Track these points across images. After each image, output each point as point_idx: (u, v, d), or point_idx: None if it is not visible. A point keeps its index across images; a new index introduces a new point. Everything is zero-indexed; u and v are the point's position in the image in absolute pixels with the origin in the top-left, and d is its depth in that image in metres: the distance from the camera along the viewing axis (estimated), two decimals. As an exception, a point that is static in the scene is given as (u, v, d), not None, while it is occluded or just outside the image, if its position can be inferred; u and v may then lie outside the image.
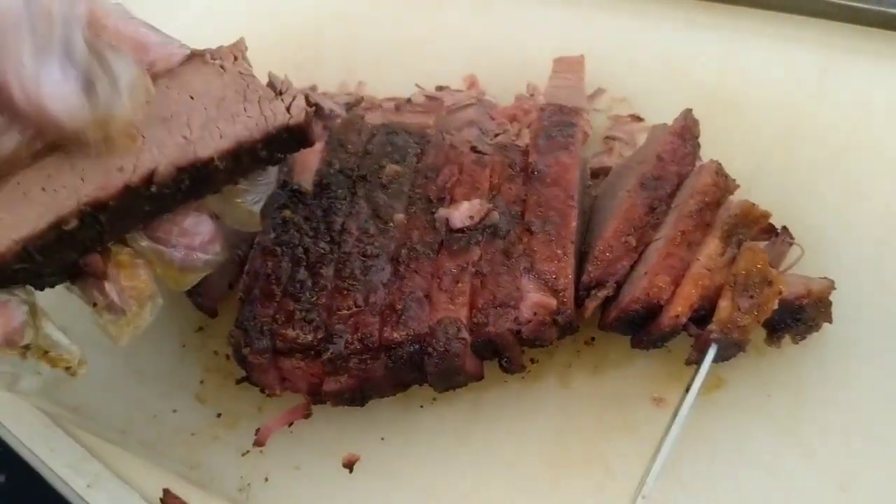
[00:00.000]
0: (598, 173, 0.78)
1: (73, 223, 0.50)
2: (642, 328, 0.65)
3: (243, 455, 0.69)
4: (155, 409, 0.72)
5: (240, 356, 0.65)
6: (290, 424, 0.69)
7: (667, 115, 0.75)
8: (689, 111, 0.72)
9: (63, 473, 0.69)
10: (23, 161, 0.50)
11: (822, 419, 0.64)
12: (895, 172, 0.76)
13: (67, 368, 0.53)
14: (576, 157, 0.70)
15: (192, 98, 0.55)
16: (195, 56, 0.57)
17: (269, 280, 0.66)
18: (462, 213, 0.67)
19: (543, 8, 0.96)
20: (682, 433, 0.62)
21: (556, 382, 0.69)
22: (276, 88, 0.57)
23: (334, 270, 0.66)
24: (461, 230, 0.67)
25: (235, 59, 0.58)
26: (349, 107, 0.79)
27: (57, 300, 0.54)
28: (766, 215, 0.66)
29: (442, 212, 0.67)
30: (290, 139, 0.57)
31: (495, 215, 0.67)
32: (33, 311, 0.51)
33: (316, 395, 0.67)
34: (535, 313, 0.63)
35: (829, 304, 0.65)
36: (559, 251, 0.65)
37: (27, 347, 0.51)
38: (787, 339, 0.65)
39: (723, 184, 0.67)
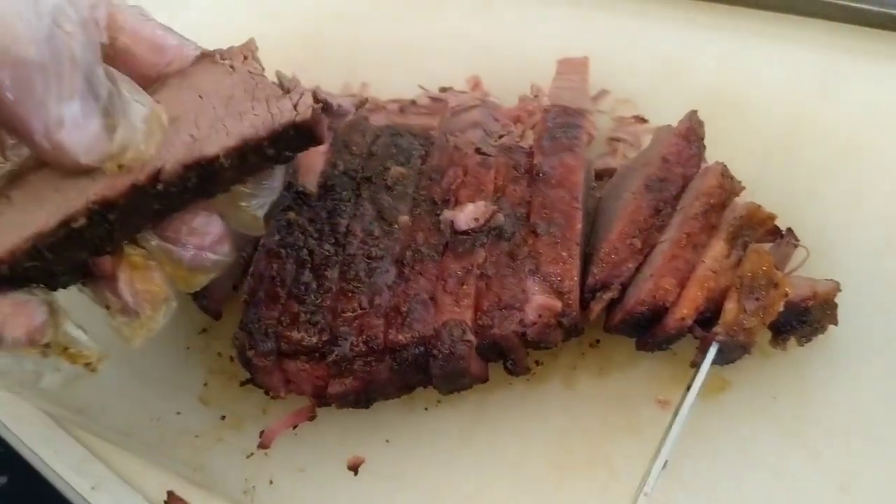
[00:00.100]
0: (603, 175, 0.77)
1: (82, 221, 0.50)
2: (647, 330, 0.65)
3: (248, 457, 0.69)
4: (158, 410, 0.72)
5: (244, 358, 0.65)
6: (295, 427, 0.69)
7: (670, 116, 0.75)
8: (693, 113, 0.72)
9: (66, 476, 0.70)
10: (36, 163, 0.50)
11: (827, 421, 0.64)
12: (899, 173, 0.76)
13: (87, 364, 0.54)
14: (581, 158, 0.70)
15: (200, 97, 0.55)
16: (205, 56, 0.57)
17: (274, 282, 0.66)
18: (467, 215, 0.67)
19: (546, 8, 0.96)
20: (686, 434, 0.62)
21: (560, 384, 0.69)
22: (283, 86, 0.57)
23: (339, 272, 0.66)
24: (466, 232, 0.66)
25: (245, 58, 0.58)
26: (355, 108, 0.79)
27: (66, 300, 0.54)
28: (771, 217, 0.66)
29: (447, 214, 0.67)
30: (297, 136, 0.56)
31: (500, 217, 0.67)
32: (53, 309, 0.51)
33: (321, 398, 0.67)
34: (540, 315, 0.63)
35: (835, 306, 0.65)
36: (564, 253, 0.65)
37: (47, 345, 0.51)
38: (792, 341, 0.65)
39: (728, 186, 0.67)
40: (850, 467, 0.62)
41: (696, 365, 0.64)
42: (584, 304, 0.66)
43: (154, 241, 0.55)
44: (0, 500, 0.77)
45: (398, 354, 0.63)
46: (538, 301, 0.63)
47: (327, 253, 0.67)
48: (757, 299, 0.62)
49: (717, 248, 0.64)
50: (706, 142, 0.72)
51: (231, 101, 0.55)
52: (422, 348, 0.63)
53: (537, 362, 0.70)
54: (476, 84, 0.89)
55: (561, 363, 0.70)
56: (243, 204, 0.58)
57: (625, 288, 0.66)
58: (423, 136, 0.73)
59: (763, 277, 0.62)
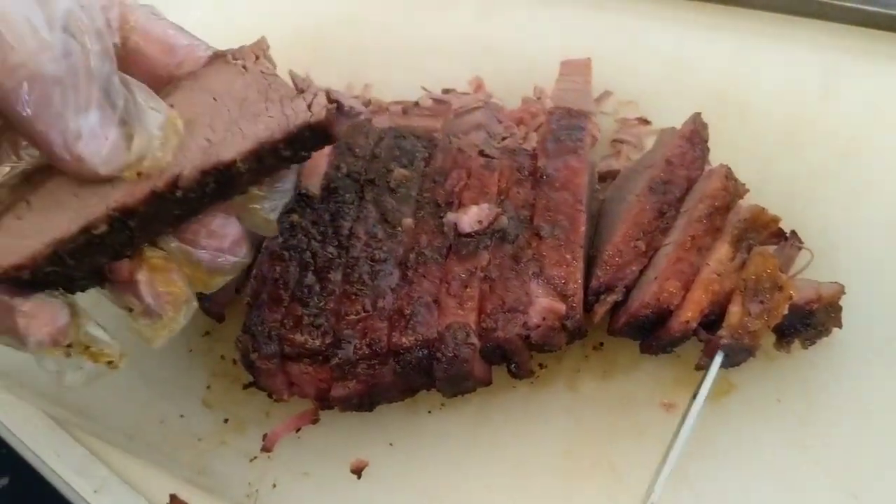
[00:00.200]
0: (606, 177, 0.78)
1: (103, 228, 0.50)
2: (651, 333, 0.65)
3: (251, 461, 0.69)
4: (162, 413, 0.72)
5: (247, 361, 0.65)
6: (298, 430, 0.69)
7: (672, 117, 0.75)
8: (697, 115, 0.72)
9: (69, 478, 0.69)
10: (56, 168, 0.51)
11: (832, 423, 0.64)
12: (903, 175, 0.76)
13: (109, 363, 0.54)
14: (585, 161, 0.70)
15: (214, 100, 0.55)
16: (217, 57, 0.57)
17: (277, 285, 0.66)
18: (471, 217, 0.67)
19: (548, 10, 0.96)
20: (691, 437, 0.63)
21: (564, 387, 0.69)
22: (297, 86, 0.57)
23: (342, 275, 0.66)
24: (470, 235, 0.66)
25: (257, 58, 0.57)
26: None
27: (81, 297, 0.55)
28: (775, 220, 0.66)
29: (450, 216, 0.67)
30: (312, 137, 0.56)
31: (504, 220, 0.67)
32: (74, 310, 0.52)
33: (324, 401, 0.66)
34: (543, 318, 0.63)
35: (839, 308, 0.65)
36: (568, 256, 0.65)
37: (70, 346, 0.52)
38: (796, 343, 0.65)
39: (732, 188, 0.67)
40: (856, 470, 0.62)
41: (700, 368, 0.64)
42: (588, 307, 0.66)
43: (174, 244, 0.55)
44: (1, 502, 0.77)
45: (401, 357, 0.63)
46: (542, 304, 0.63)
47: (330, 255, 0.67)
48: (761, 302, 0.61)
49: (722, 250, 0.64)
50: (711, 143, 0.72)
51: (245, 102, 0.55)
52: (425, 351, 0.63)
53: (541, 365, 0.69)
54: (479, 85, 0.89)
55: (564, 366, 0.70)
56: (256, 206, 0.58)
57: (629, 291, 0.66)
58: (427, 138, 0.73)
59: (767, 280, 0.62)
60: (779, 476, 0.62)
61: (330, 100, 0.56)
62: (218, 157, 0.53)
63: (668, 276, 0.63)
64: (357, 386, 0.64)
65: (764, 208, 0.66)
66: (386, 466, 0.67)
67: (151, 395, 0.73)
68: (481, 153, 0.72)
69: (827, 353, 0.66)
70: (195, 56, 0.56)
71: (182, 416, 0.72)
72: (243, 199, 0.57)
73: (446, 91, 0.85)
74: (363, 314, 0.64)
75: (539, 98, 0.85)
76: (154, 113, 0.50)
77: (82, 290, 0.54)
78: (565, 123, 0.72)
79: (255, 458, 0.69)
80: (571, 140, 0.71)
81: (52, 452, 0.71)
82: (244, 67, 0.57)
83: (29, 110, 0.44)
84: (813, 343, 0.65)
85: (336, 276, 0.66)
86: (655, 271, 0.64)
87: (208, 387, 0.73)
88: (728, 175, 0.67)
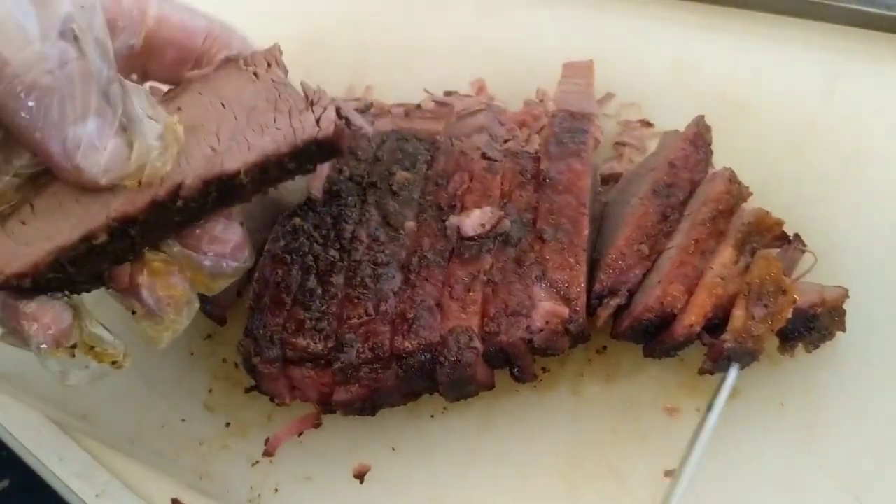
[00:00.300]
0: (609, 179, 0.77)
1: (103, 238, 0.50)
2: (655, 337, 0.65)
3: (253, 465, 0.68)
4: (164, 417, 0.72)
5: (249, 365, 0.65)
6: (300, 434, 0.69)
7: (675, 119, 0.74)
8: (701, 118, 0.71)
9: (71, 483, 0.69)
10: None
11: (836, 427, 0.64)
12: (907, 177, 0.76)
13: (114, 363, 0.54)
14: (588, 164, 0.70)
15: (223, 106, 0.55)
16: (229, 61, 0.57)
17: (279, 288, 0.65)
18: (473, 220, 0.66)
19: (551, 12, 0.96)
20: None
21: (567, 391, 0.68)
22: (308, 98, 0.56)
23: (344, 279, 0.65)
24: (472, 238, 0.66)
25: (269, 65, 0.57)
26: (361, 112, 0.78)
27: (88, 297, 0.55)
28: (779, 223, 0.66)
29: (453, 219, 0.67)
30: (318, 151, 0.56)
31: (507, 223, 0.66)
32: (77, 311, 0.52)
33: (326, 405, 0.66)
34: (547, 322, 0.63)
35: (843, 312, 0.64)
36: (571, 259, 0.65)
37: (74, 346, 0.52)
38: (800, 347, 0.65)
39: (736, 191, 0.67)
40: (859, 473, 0.62)
41: (704, 372, 0.64)
42: (591, 311, 0.65)
43: (176, 248, 0.55)
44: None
45: (404, 361, 0.63)
46: (545, 307, 0.63)
47: (333, 259, 0.66)
48: (765, 306, 0.61)
49: (726, 254, 0.63)
50: (714, 146, 0.71)
51: (253, 111, 0.55)
52: (428, 355, 0.62)
53: (544, 369, 0.69)
54: (481, 88, 0.88)
55: (568, 370, 0.69)
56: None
57: (632, 294, 0.65)
58: (429, 141, 0.73)
59: (771, 284, 0.62)
60: (782, 479, 0.62)
61: (339, 115, 0.56)
62: (221, 167, 0.52)
63: (672, 280, 0.63)
64: (359, 390, 0.64)
65: (768, 211, 0.66)
66: (388, 471, 0.67)
67: (153, 399, 0.73)
68: (484, 156, 0.72)
69: (830, 356, 0.66)
70: (214, 36, 0.57)
71: (184, 419, 0.72)
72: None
73: (448, 93, 0.85)
74: (366, 318, 0.64)
75: (541, 100, 0.84)
76: (152, 123, 0.49)
77: (87, 292, 0.54)
78: (568, 126, 0.72)
79: (257, 462, 0.69)
80: (574, 143, 0.71)
81: (54, 456, 0.71)
82: (255, 74, 0.56)
83: (27, 121, 0.43)
84: (816, 347, 0.65)
85: (338, 279, 0.65)
86: (659, 275, 0.64)
87: (210, 390, 0.73)
88: (732, 178, 0.67)
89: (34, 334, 0.50)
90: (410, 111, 0.79)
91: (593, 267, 0.67)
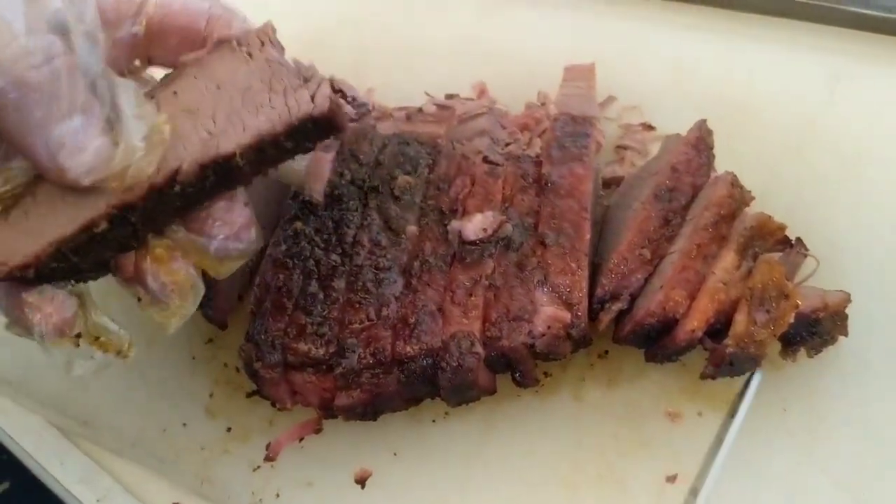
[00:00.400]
0: (611, 183, 0.77)
1: (104, 226, 0.50)
2: (657, 342, 0.65)
3: (254, 470, 0.68)
4: (165, 422, 0.72)
5: (251, 370, 0.65)
6: (302, 439, 0.69)
7: (677, 123, 0.74)
8: (703, 122, 0.71)
9: (72, 487, 0.69)
10: None
11: (839, 432, 0.64)
12: (909, 180, 0.76)
13: (119, 353, 0.54)
14: (590, 168, 0.69)
15: (218, 88, 0.54)
16: (223, 43, 0.56)
17: (281, 293, 0.65)
18: (475, 225, 0.66)
19: (552, 14, 0.95)
20: (695, 447, 0.63)
21: (569, 396, 0.68)
22: (301, 75, 0.56)
23: (346, 283, 0.65)
24: (474, 242, 0.66)
25: (262, 44, 0.56)
26: (362, 115, 0.78)
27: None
28: (781, 228, 0.66)
29: (455, 224, 0.67)
30: (315, 128, 0.55)
31: (508, 227, 0.66)
32: (82, 301, 0.52)
33: (328, 410, 0.66)
34: (548, 327, 0.63)
35: (846, 317, 0.64)
36: (573, 264, 0.65)
37: (79, 336, 0.52)
38: (802, 352, 0.65)
39: (738, 196, 0.66)
40: (862, 478, 0.62)
41: (706, 377, 0.64)
42: (593, 315, 0.65)
43: (181, 233, 0.54)
44: (1, 505, 0.77)
45: (406, 366, 0.63)
46: (547, 312, 0.63)
47: (334, 263, 0.66)
48: (767, 311, 0.61)
49: (728, 259, 0.63)
50: (715, 149, 0.71)
51: (248, 92, 0.54)
52: (430, 360, 0.62)
53: (546, 374, 0.69)
54: (482, 91, 0.88)
55: (570, 374, 0.69)
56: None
57: (634, 299, 0.65)
58: (431, 145, 0.73)
59: (773, 289, 0.62)
60: (784, 484, 0.62)
61: (334, 90, 0.55)
62: (217, 149, 0.52)
63: (674, 285, 0.63)
64: (361, 395, 0.63)
65: (770, 216, 0.65)
66: (390, 476, 0.67)
67: (154, 403, 0.73)
68: (485, 160, 0.72)
69: (833, 361, 0.66)
70: (216, 18, 0.56)
71: (185, 424, 0.71)
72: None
73: (450, 97, 0.85)
74: (367, 323, 0.63)
75: (543, 103, 0.84)
76: (139, 123, 0.48)
77: (93, 280, 0.54)
78: (570, 130, 0.72)
79: (259, 467, 0.68)
80: (576, 147, 0.70)
81: (55, 461, 0.71)
82: (249, 55, 0.56)
83: (11, 119, 0.43)
84: (819, 351, 0.65)
85: (340, 284, 0.65)
86: (661, 279, 0.64)
87: (211, 395, 0.73)
88: (734, 182, 0.67)
89: (37, 323, 0.50)
90: (412, 115, 0.79)
91: (595, 271, 0.67)
